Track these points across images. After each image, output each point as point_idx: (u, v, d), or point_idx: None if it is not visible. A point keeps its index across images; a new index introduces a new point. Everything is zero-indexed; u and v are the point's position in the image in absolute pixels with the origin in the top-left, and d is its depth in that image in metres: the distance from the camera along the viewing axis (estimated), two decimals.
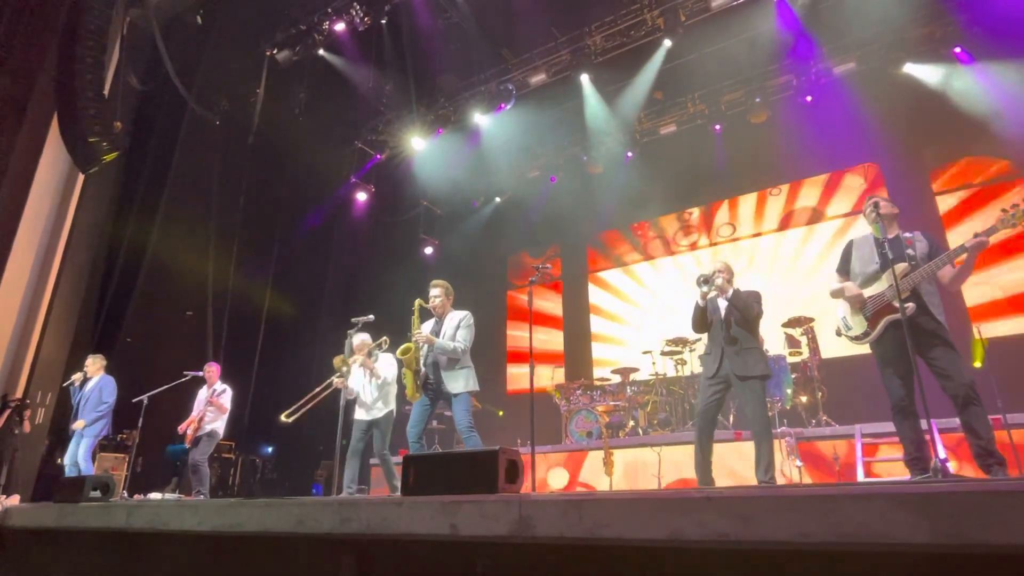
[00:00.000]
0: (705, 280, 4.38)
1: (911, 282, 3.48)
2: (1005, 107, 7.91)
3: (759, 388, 4.15)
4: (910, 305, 3.41)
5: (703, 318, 4.43)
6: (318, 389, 5.72)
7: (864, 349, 3.83)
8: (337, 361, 5.50)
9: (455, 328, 4.61)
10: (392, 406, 5.59)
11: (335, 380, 5.52)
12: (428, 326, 4.72)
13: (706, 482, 4.18)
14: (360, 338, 5.64)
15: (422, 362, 4.60)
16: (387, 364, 5.60)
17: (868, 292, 3.71)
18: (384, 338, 5.63)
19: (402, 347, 4.58)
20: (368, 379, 5.55)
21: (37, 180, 7.57)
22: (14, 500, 6.08)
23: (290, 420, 5.65)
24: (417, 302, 4.68)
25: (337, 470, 5.42)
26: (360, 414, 5.53)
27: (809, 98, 9.30)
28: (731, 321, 4.29)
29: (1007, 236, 7.28)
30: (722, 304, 4.40)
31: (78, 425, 6.41)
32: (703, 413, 4.25)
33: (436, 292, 4.75)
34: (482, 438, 4.44)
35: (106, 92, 7.70)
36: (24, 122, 7.62)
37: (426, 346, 4.58)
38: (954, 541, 1.33)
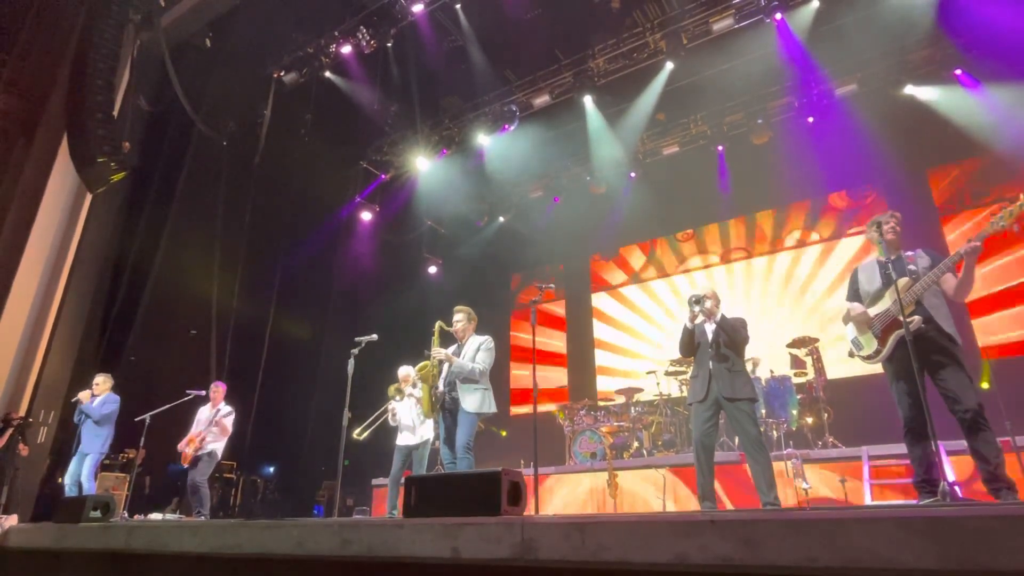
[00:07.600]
0: (696, 300, 4.42)
1: (914, 294, 3.51)
2: (1006, 128, 7.94)
3: (749, 409, 4.19)
4: (916, 318, 3.41)
5: (691, 340, 4.49)
6: (380, 411, 6.57)
7: (871, 369, 3.81)
8: (391, 390, 6.35)
9: (475, 351, 4.64)
10: (431, 435, 6.18)
11: (390, 405, 6.34)
12: (450, 350, 4.73)
13: (708, 502, 4.14)
14: (405, 370, 6.33)
15: (440, 381, 4.63)
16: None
17: (874, 311, 3.71)
18: None
19: (420, 364, 4.67)
20: (413, 409, 6.15)
21: (46, 199, 7.63)
22: (12, 520, 6.02)
23: (362, 437, 6.49)
24: (438, 324, 4.67)
25: (339, 491, 5.42)
26: (403, 440, 6.15)
27: (811, 119, 9.36)
28: (720, 342, 4.35)
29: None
30: (709, 328, 4.46)
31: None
32: (702, 440, 4.21)
33: (459, 317, 4.81)
34: (485, 459, 4.43)
35: (115, 113, 7.80)
36: (34, 142, 7.72)
37: (445, 365, 4.61)
38: (962, 566, 1.31)
